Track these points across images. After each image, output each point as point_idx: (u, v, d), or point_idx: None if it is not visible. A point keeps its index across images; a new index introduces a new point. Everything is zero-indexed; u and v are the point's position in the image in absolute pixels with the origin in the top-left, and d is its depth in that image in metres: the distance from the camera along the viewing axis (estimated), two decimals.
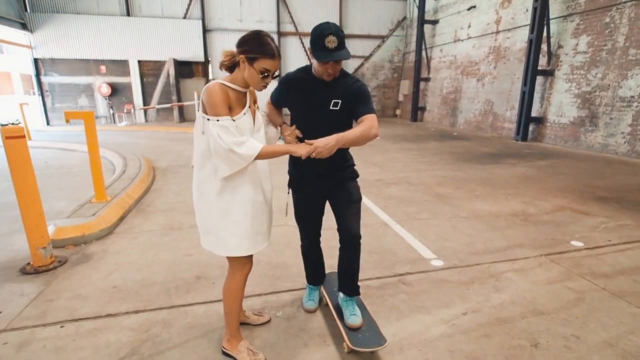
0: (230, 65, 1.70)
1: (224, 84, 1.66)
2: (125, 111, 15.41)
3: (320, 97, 1.96)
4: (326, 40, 1.73)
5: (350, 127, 2.01)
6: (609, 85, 8.26)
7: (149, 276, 2.81)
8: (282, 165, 2.33)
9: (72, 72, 14.86)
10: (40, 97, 14.86)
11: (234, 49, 1.68)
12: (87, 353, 1.98)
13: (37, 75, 14.69)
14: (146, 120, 15.81)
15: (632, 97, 7.80)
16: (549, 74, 9.77)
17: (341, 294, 2.27)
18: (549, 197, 4.82)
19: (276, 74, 1.71)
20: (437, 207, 4.40)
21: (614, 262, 3.01)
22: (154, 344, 2.05)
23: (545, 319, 2.26)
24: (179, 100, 15.60)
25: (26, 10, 13.99)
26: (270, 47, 1.61)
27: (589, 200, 4.67)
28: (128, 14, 14.78)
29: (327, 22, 1.81)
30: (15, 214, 4.06)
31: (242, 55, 1.62)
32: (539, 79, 9.90)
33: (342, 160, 2.11)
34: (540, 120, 10.06)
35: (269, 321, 2.26)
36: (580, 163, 7.20)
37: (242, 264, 1.88)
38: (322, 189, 2.16)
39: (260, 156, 1.63)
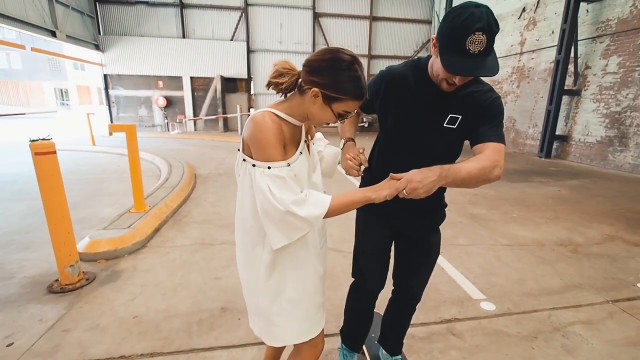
0: (287, 89, 1.03)
1: (276, 115, 1.01)
2: (177, 121, 15.40)
3: (431, 107, 1.21)
4: (470, 39, 0.95)
5: (459, 155, 1.32)
6: None
7: (173, 304, 2.30)
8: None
9: (134, 87, 15.00)
10: (108, 107, 15.10)
11: (293, 65, 1.02)
12: None
13: (106, 88, 14.93)
14: (195, 129, 15.75)
15: None
16: (575, 93, 8.70)
17: (384, 352, 1.68)
18: (593, 224, 3.98)
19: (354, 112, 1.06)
20: (474, 231, 3.68)
21: None
22: None
23: None
24: (224, 112, 15.44)
25: (100, 33, 14.23)
26: (361, 85, 0.98)
27: (638, 229, 3.81)
28: (184, 36, 14.77)
29: (477, 5, 0.96)
30: None
31: (315, 89, 0.97)
32: (565, 99, 8.84)
33: (438, 198, 1.39)
34: (564, 139, 8.98)
35: None
36: (613, 184, 6.19)
37: (312, 345, 1.20)
38: (399, 226, 1.43)
39: (330, 213, 0.99)
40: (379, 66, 16.04)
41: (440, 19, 14.65)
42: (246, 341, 1.93)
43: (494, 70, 1.01)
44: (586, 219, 4.14)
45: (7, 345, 1.89)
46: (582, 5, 8.22)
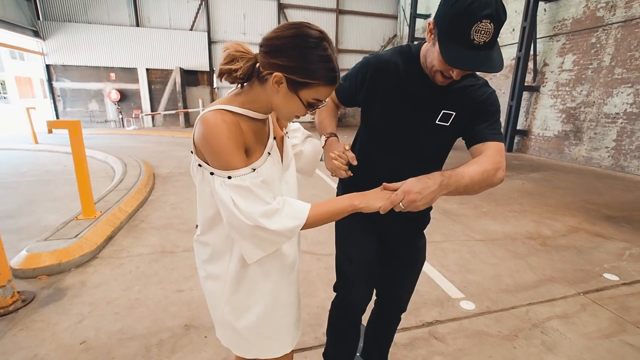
0: (243, 77, 0.85)
1: (232, 112, 0.84)
2: (133, 116, 14.46)
3: (422, 102, 1.08)
4: (476, 27, 0.83)
5: (447, 155, 1.21)
6: (594, 102, 7.67)
7: (128, 324, 2.05)
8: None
9: (83, 78, 13.85)
10: (52, 101, 13.83)
11: (249, 48, 0.84)
12: None
13: (49, 80, 13.67)
14: (153, 125, 14.88)
15: (617, 113, 7.22)
16: (534, 89, 9.17)
17: None
18: (557, 216, 4.16)
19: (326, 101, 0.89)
20: (448, 227, 3.70)
21: None
22: None
23: None
24: (185, 106, 14.71)
25: (39, 18, 12.95)
26: (333, 65, 0.82)
27: (599, 220, 4.03)
28: (137, 25, 13.83)
29: None
30: None
31: (277, 74, 0.79)
32: (525, 94, 9.29)
33: None
34: (525, 133, 9.46)
35: None
36: (571, 176, 6.59)
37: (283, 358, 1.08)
38: (385, 232, 1.30)
39: (308, 225, 0.87)
40: (346, 61, 16.05)
41: (407, 13, 14.78)
42: None
43: (499, 66, 0.89)
44: (551, 211, 4.33)
45: None
46: (540, 4, 8.64)
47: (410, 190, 0.86)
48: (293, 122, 1.06)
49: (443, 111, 1.08)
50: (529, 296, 2.41)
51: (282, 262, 1.00)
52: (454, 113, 1.08)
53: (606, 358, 1.83)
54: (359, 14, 15.94)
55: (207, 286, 1.01)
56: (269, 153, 0.92)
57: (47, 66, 13.46)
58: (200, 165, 0.86)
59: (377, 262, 1.34)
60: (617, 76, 7.20)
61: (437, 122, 1.09)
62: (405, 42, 15.60)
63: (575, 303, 2.35)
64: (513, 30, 9.78)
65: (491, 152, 1.01)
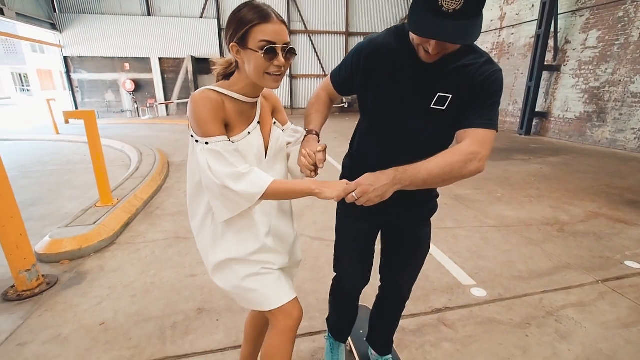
0: (228, 74, 1.07)
1: (217, 92, 0.98)
2: (148, 105, 14.65)
3: (417, 83, 1.01)
4: None
5: (452, 140, 1.10)
6: (620, 80, 7.27)
7: (143, 307, 2.12)
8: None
9: (98, 69, 14.07)
10: (71, 93, 14.15)
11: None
12: None
13: (67, 72, 13.94)
14: (167, 114, 15.07)
15: None
16: (554, 69, 8.75)
17: (373, 353, 1.59)
18: (576, 201, 4.01)
19: (290, 46, 0.97)
20: (460, 213, 3.63)
21: None
22: None
23: None
24: None
25: (55, 11, 13.13)
26: (259, 8, 0.93)
27: (620, 205, 3.87)
28: (149, 14, 13.85)
29: None
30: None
31: (232, 45, 0.96)
32: (544, 74, 8.89)
33: (427, 189, 1.20)
34: (544, 115, 9.10)
35: None
36: (592, 160, 6.32)
37: (285, 314, 1.09)
38: (385, 220, 1.28)
39: (267, 195, 0.95)
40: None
41: None
42: (225, 345, 1.80)
43: (467, 37, 0.82)
44: (569, 197, 4.18)
45: None
46: None
47: (362, 183, 0.90)
48: (275, 75, 0.99)
49: (439, 94, 1.00)
50: (544, 284, 2.35)
51: (255, 232, 1.09)
52: (451, 96, 0.99)
53: (624, 348, 1.78)
54: None
55: (198, 243, 1.14)
56: (249, 132, 1.04)
57: (65, 58, 13.72)
58: (192, 136, 0.97)
59: (372, 251, 1.36)
60: None
61: (432, 106, 1.01)
62: None
63: (593, 291, 2.27)
64: (532, 6, 9.30)
65: (468, 142, 0.94)
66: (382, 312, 1.51)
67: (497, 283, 2.35)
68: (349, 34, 15.73)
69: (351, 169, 1.26)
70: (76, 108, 14.25)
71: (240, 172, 0.93)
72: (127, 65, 14.14)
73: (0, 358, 1.73)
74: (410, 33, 0.95)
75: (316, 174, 1.04)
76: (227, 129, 1.00)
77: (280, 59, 0.95)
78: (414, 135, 1.07)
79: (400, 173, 0.90)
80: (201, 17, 14.24)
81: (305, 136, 1.15)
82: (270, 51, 0.93)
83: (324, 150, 1.05)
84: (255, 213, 1.08)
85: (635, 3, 6.93)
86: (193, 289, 2.32)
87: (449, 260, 2.64)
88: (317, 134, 1.15)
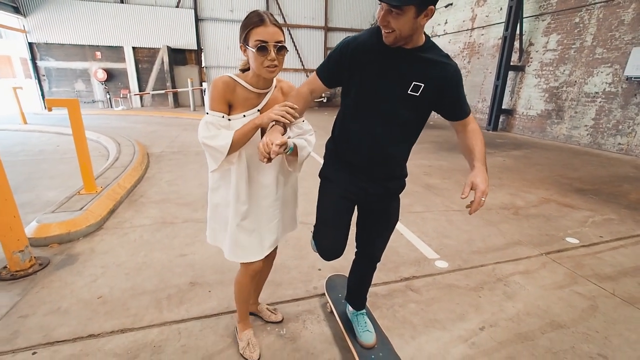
0: (245, 67, 1.38)
1: (232, 78, 1.32)
2: (121, 96, 14.27)
3: (394, 74, 1.23)
4: None
5: (422, 125, 1.38)
6: (576, 81, 7.94)
7: (138, 283, 2.29)
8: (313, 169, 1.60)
9: (67, 57, 13.53)
10: (37, 81, 13.53)
11: None
12: None
13: (33, 59, 13.31)
14: (142, 105, 14.73)
15: (596, 92, 7.51)
16: (519, 69, 9.38)
17: (350, 308, 1.84)
18: (532, 189, 4.47)
19: (280, 44, 1.23)
20: (429, 199, 3.98)
21: (613, 262, 2.67)
22: None
23: (566, 333, 1.89)
24: (173, 86, 14.56)
25: None
26: (258, 14, 1.21)
27: (569, 192, 4.36)
28: (122, 1, 13.43)
29: None
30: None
31: (240, 45, 1.28)
32: (510, 74, 9.51)
33: (400, 169, 1.47)
34: (510, 112, 9.74)
35: (280, 321, 1.93)
36: (550, 153, 6.92)
37: (246, 265, 1.54)
38: (363, 196, 1.45)
39: (235, 143, 1.26)
40: (336, 39, 15.93)
41: None
42: (219, 311, 2.01)
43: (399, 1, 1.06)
44: (526, 185, 4.64)
45: None
46: None
47: (482, 187, 1.16)
48: (269, 67, 1.24)
49: (413, 82, 1.23)
50: (497, 256, 2.71)
51: (229, 180, 1.41)
52: (423, 85, 1.23)
53: (557, 303, 2.15)
54: None
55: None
56: (244, 115, 1.32)
57: (30, 44, 13.09)
58: None
59: (348, 224, 1.50)
60: (597, 56, 7.44)
61: (408, 92, 1.24)
62: None
63: (537, 262, 2.66)
64: (501, 9, 9.88)
65: (471, 124, 1.34)
66: (359, 274, 1.75)
67: (458, 257, 2.69)
68: (328, 29, 15.93)
69: (335, 151, 1.47)
70: (43, 97, 13.66)
71: (214, 134, 1.26)
72: (98, 53, 13.69)
73: (4, 329, 1.85)
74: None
75: (269, 161, 1.15)
76: (231, 108, 1.33)
77: (272, 54, 1.21)
78: (393, 117, 1.29)
79: (484, 164, 1.25)
80: (177, 6, 13.98)
81: (272, 125, 1.25)
82: (262, 49, 1.20)
83: (282, 145, 1.14)
84: (233, 171, 1.39)
85: (589, 11, 7.57)
86: (184, 266, 2.50)
87: (417, 239, 2.96)
88: (284, 126, 1.25)
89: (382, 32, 1.17)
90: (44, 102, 13.66)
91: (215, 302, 2.09)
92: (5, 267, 2.41)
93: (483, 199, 1.15)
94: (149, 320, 1.93)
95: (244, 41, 1.24)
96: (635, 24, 6.72)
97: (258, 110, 1.35)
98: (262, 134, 1.33)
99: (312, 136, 1.48)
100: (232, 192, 1.40)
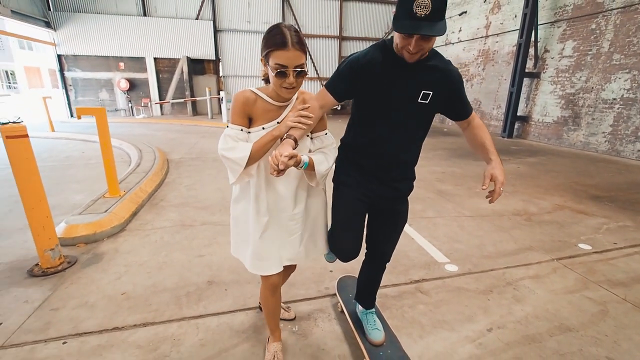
0: (266, 77, 1.35)
1: (254, 92, 1.33)
2: (142, 105, 14.79)
3: (404, 83, 1.32)
4: (416, 3, 1.09)
5: (429, 127, 1.47)
6: (593, 87, 7.80)
7: (159, 281, 2.41)
8: None
9: (93, 68, 14.17)
10: (64, 91, 14.21)
11: None
12: None
13: (61, 70, 14.00)
14: (162, 114, 15.22)
15: (614, 99, 7.36)
16: (535, 76, 9.29)
17: (360, 307, 1.90)
18: (546, 196, 4.43)
19: (300, 69, 1.21)
20: (441, 205, 4.00)
21: (626, 269, 2.64)
22: None
23: (574, 336, 1.90)
24: (192, 95, 15.00)
25: (49, 9, 13.21)
26: (282, 35, 1.16)
27: (584, 199, 4.30)
28: (144, 14, 14.02)
29: None
30: None
31: (261, 59, 1.26)
32: (526, 81, 9.42)
33: (410, 171, 1.55)
34: (525, 119, 9.62)
35: (293, 319, 2.01)
36: (566, 160, 6.80)
37: (265, 277, 1.53)
38: (375, 198, 1.52)
39: (253, 155, 1.27)
40: (350, 48, 16.13)
41: None
42: (234, 307, 2.10)
43: (439, 31, 1.13)
44: (540, 192, 4.59)
45: None
46: None
47: (501, 178, 1.35)
48: (288, 90, 1.26)
49: (423, 91, 1.33)
50: (507, 261, 2.72)
51: (246, 194, 1.45)
52: (431, 92, 1.33)
53: (566, 307, 2.15)
54: (362, 0, 15.90)
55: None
56: (263, 128, 1.33)
57: (59, 56, 13.78)
58: None
59: (364, 225, 1.58)
60: (615, 62, 7.32)
61: (419, 100, 1.34)
62: None
63: (548, 267, 2.65)
64: (515, 16, 9.83)
65: (476, 120, 1.49)
66: (369, 273, 1.78)
67: (468, 261, 2.71)
68: (342, 38, 16.14)
69: (348, 157, 1.53)
70: (69, 106, 14.31)
71: (232, 146, 1.29)
72: (121, 64, 14.28)
73: (38, 320, 2.00)
74: (395, 42, 1.25)
75: (280, 174, 1.15)
76: (251, 121, 1.35)
77: (291, 79, 1.20)
78: (404, 124, 1.39)
79: (498, 156, 1.41)
80: (197, 18, 14.47)
81: (283, 139, 1.28)
82: (281, 74, 1.18)
83: (291, 157, 1.16)
84: (251, 185, 1.41)
85: (605, 17, 7.47)
86: (202, 266, 2.62)
87: (428, 244, 2.99)
88: (295, 140, 1.27)
89: (406, 54, 1.23)
90: (70, 110, 14.30)
91: (231, 300, 2.19)
92: (37, 265, 2.58)
93: (502, 189, 1.30)
94: (169, 315, 2.05)
95: (265, 58, 1.22)
96: None
97: (277, 123, 1.34)
98: None
99: (333, 150, 1.46)
100: (252, 205, 1.40)
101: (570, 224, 3.52)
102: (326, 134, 1.47)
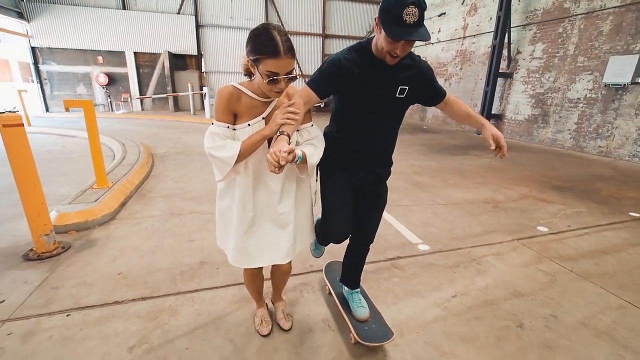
0: (248, 72, 1.33)
1: (237, 88, 1.32)
2: (122, 100, 14.56)
3: (382, 82, 1.44)
4: (405, 11, 1.18)
5: (402, 118, 1.62)
6: (560, 87, 8.35)
7: (153, 262, 2.57)
8: None
9: (69, 62, 13.83)
10: (39, 85, 13.80)
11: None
12: (95, 343, 1.76)
13: (35, 63, 13.60)
14: (142, 109, 15.02)
15: (578, 98, 7.91)
16: (508, 76, 9.80)
17: (346, 288, 2.04)
18: (513, 186, 4.81)
19: (291, 75, 1.23)
20: (417, 195, 4.30)
21: (576, 247, 3.00)
22: (163, 332, 1.85)
23: (526, 300, 2.20)
24: (174, 90, 14.87)
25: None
26: (274, 42, 1.14)
27: (547, 189, 4.70)
28: (124, 8, 13.79)
29: None
30: (18, 198, 3.70)
31: (248, 59, 1.22)
32: (499, 81, 9.92)
33: (388, 156, 1.69)
34: (499, 117, 10.13)
35: (287, 330, 1.88)
36: (535, 155, 7.28)
37: (245, 271, 1.70)
38: (358, 179, 1.66)
39: (242, 153, 1.28)
40: (334, 46, 16.37)
41: None
42: (226, 283, 2.30)
43: (427, 37, 1.25)
44: (508, 183, 4.98)
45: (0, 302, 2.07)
46: None
47: (501, 137, 1.43)
48: (277, 93, 1.28)
49: (400, 87, 1.46)
50: (474, 241, 3.03)
51: (233, 189, 1.45)
52: (407, 87, 1.48)
53: (521, 278, 2.46)
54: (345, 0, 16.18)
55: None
56: (249, 124, 1.33)
57: (33, 48, 13.37)
58: None
59: (351, 208, 1.70)
60: (579, 64, 7.86)
61: (397, 95, 1.48)
62: None
63: (509, 246, 2.97)
64: (490, 19, 10.32)
65: (451, 98, 1.63)
66: (354, 255, 1.91)
67: (439, 241, 3.00)
68: (325, 36, 16.35)
69: (332, 145, 1.61)
70: (45, 100, 13.92)
71: (219, 144, 1.28)
72: (100, 58, 14.00)
73: (39, 297, 2.13)
74: (379, 46, 1.34)
75: (280, 170, 1.16)
76: (236, 117, 1.34)
77: (281, 85, 1.22)
78: (384, 117, 1.54)
79: (484, 118, 1.56)
80: (179, 13, 14.34)
81: (277, 137, 1.28)
82: (273, 81, 1.19)
83: (290, 152, 1.17)
84: (237, 180, 1.41)
85: (571, 22, 8.01)
86: (193, 250, 2.79)
87: (404, 228, 3.27)
88: (288, 135, 1.29)
89: (389, 58, 1.35)
90: (46, 105, 13.91)
91: (223, 277, 2.38)
92: (32, 250, 2.68)
93: (504, 143, 1.43)
94: (166, 290, 2.22)
95: (254, 62, 1.20)
96: (612, 35, 7.15)
97: (263, 118, 1.35)
98: (269, 143, 1.36)
99: (320, 141, 1.49)
100: (238, 201, 1.42)
101: (532, 210, 3.88)
102: (312, 125, 1.49)
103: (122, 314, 2.00)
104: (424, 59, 1.58)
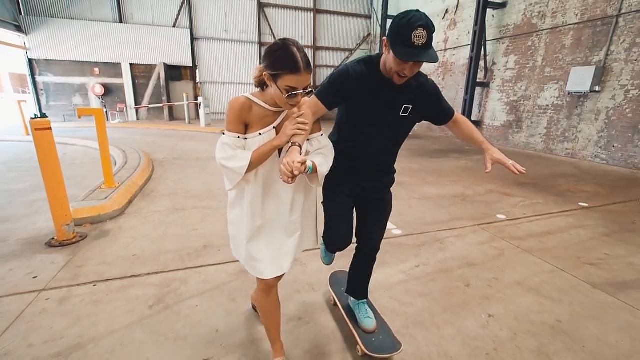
0: (261, 83, 1.33)
1: (249, 99, 1.31)
2: (118, 110, 14.88)
3: (388, 100, 1.45)
4: (414, 33, 1.20)
5: (409, 134, 1.62)
6: (530, 95, 8.99)
7: (162, 246, 2.97)
8: None
9: (66, 73, 14.15)
10: (35, 96, 14.07)
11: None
12: (120, 304, 2.15)
13: (32, 74, 13.89)
14: (138, 119, 15.35)
15: (547, 105, 8.55)
16: (485, 85, 10.45)
17: (352, 299, 1.98)
18: (482, 183, 5.31)
19: (308, 89, 1.24)
20: (395, 191, 4.72)
21: (526, 229, 3.47)
22: (176, 295, 2.25)
23: (475, 268, 2.65)
24: (169, 100, 15.26)
25: (21, 13, 13.16)
26: (294, 59, 1.16)
27: (512, 185, 5.21)
28: (121, 21, 14.22)
29: (417, 11, 1.24)
30: (30, 199, 4.07)
31: (265, 72, 1.22)
32: (478, 90, 10.56)
33: (391, 165, 1.71)
34: (478, 123, 10.75)
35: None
36: (509, 157, 7.81)
37: (261, 282, 1.51)
38: (362, 190, 1.66)
39: (253, 163, 1.28)
40: (324, 57, 16.99)
41: (379, 14, 15.64)
42: (228, 260, 2.70)
43: (435, 58, 1.25)
44: (479, 181, 5.48)
45: (33, 278, 2.44)
46: (489, 11, 9.87)
47: (504, 158, 1.54)
48: (293, 105, 1.27)
49: (404, 105, 1.47)
50: (440, 227, 3.49)
51: (243, 198, 1.42)
52: (411, 106, 1.48)
53: (475, 253, 2.91)
54: (335, 13, 16.87)
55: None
56: (260, 134, 1.32)
57: (30, 60, 13.68)
58: None
59: (353, 215, 1.70)
60: (547, 74, 8.52)
61: (400, 114, 1.48)
62: (378, 40, 16.67)
63: (470, 230, 3.44)
64: (468, 32, 11.01)
65: (459, 118, 1.63)
66: (360, 265, 1.88)
67: (410, 227, 3.45)
68: (316, 48, 16.97)
69: (343, 153, 1.58)
70: (41, 111, 14.14)
71: (231, 155, 1.28)
72: (96, 69, 14.35)
73: (67, 272, 2.50)
74: (388, 66, 1.34)
75: (293, 180, 1.17)
76: (247, 127, 1.32)
77: (299, 98, 1.22)
78: (388, 132, 1.54)
79: (487, 141, 1.61)
80: (174, 26, 14.82)
81: (289, 148, 1.28)
82: (292, 95, 1.19)
83: (303, 163, 1.18)
84: (248, 189, 1.39)
85: (538, 36, 8.69)
86: (197, 237, 3.18)
87: None
88: (300, 146, 1.28)
89: (396, 77, 1.35)
90: (41, 114, 14.11)
91: (224, 256, 2.78)
92: (53, 238, 3.05)
93: (510, 162, 1.49)
94: (175, 266, 2.62)
95: (272, 76, 1.19)
96: (573, 48, 7.83)
97: (274, 128, 1.34)
98: (280, 152, 1.37)
99: (330, 150, 1.47)
100: (247, 209, 1.40)
101: (495, 202, 4.37)
102: (322, 135, 1.48)
103: (140, 283, 2.39)
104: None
